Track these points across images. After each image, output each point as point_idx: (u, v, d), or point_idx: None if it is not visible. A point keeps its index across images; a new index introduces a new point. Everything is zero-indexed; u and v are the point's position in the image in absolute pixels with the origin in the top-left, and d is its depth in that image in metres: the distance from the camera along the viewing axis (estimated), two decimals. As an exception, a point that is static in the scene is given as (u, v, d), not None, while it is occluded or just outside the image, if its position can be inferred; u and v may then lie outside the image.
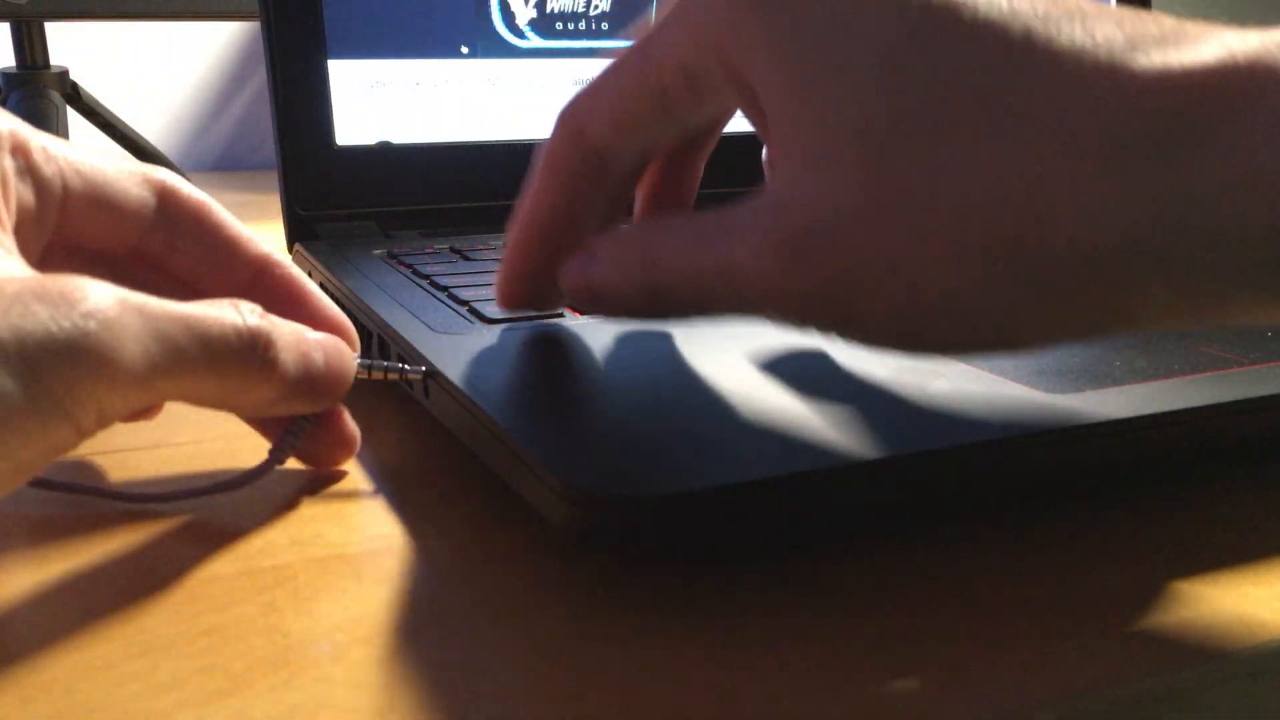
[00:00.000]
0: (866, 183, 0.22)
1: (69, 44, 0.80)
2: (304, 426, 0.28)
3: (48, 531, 0.26)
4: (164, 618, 0.22)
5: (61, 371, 0.20)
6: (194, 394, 0.24)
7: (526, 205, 0.29)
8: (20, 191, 0.25)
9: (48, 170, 0.25)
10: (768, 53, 0.24)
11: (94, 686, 0.20)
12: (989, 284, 0.22)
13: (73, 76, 0.74)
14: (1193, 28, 0.22)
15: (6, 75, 0.72)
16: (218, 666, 0.21)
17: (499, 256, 0.41)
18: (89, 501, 0.27)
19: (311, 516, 0.27)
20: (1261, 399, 0.27)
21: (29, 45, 0.72)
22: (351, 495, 0.28)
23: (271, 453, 0.28)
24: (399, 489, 0.29)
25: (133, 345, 0.21)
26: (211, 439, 0.31)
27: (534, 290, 0.30)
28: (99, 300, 0.21)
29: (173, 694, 0.20)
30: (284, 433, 0.28)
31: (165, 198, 0.27)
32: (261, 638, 0.22)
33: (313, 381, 0.26)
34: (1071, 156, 0.21)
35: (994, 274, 0.22)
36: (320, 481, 0.29)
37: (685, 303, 0.26)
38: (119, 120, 0.77)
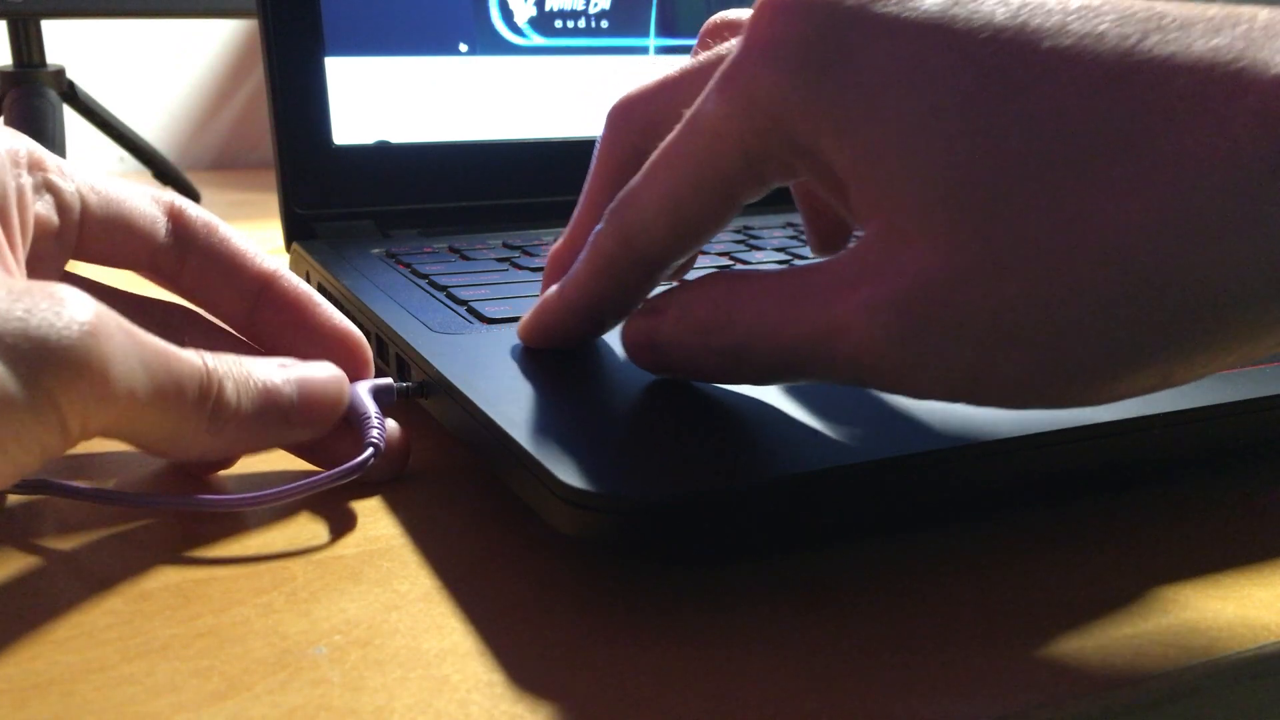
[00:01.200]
0: (975, 239, 0.20)
1: (66, 42, 0.80)
2: (371, 417, 0.27)
3: (44, 533, 0.26)
4: (161, 619, 0.22)
5: (61, 376, 0.20)
6: (156, 427, 0.23)
7: (570, 284, 0.27)
8: (40, 208, 0.25)
9: (66, 187, 0.26)
10: (831, 119, 0.22)
11: (91, 688, 0.20)
12: (1136, 333, 0.20)
13: (70, 75, 0.74)
14: None
15: (3, 74, 0.72)
16: (215, 669, 0.21)
17: (500, 254, 0.41)
18: (86, 501, 0.27)
19: (309, 517, 0.27)
20: (1262, 399, 0.27)
21: (25, 44, 0.72)
22: (349, 496, 0.28)
23: (367, 445, 0.27)
24: (397, 489, 0.29)
25: (123, 361, 0.21)
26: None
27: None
28: (92, 312, 0.21)
29: (169, 696, 0.20)
30: (363, 426, 0.27)
31: (175, 216, 0.28)
32: (259, 639, 0.22)
33: (282, 414, 0.25)
34: (1203, 183, 0.19)
35: (1140, 321, 0.20)
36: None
37: (766, 368, 0.24)
38: (116, 119, 0.76)
